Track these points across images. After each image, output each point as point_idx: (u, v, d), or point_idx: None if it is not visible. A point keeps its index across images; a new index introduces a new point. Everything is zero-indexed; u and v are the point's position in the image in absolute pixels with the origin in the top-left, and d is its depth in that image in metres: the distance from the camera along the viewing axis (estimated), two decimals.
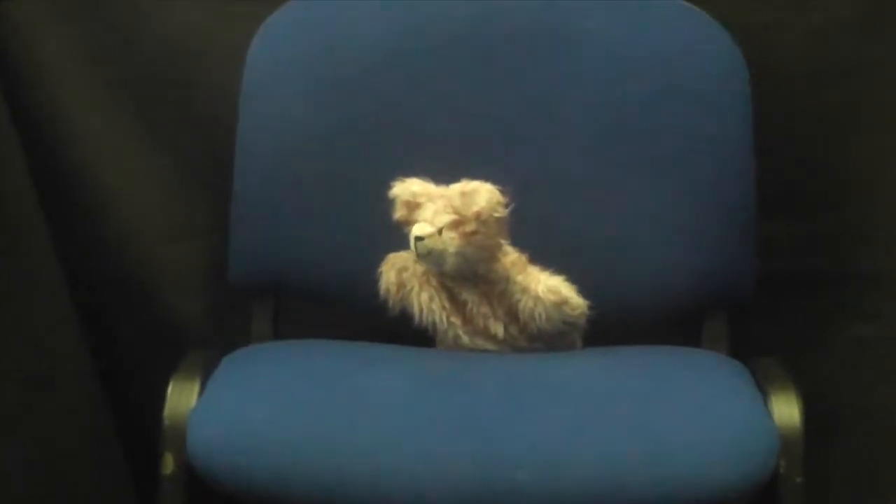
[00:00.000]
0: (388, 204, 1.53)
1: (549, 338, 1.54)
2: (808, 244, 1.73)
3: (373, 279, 1.54)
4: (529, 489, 1.29)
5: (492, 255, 1.52)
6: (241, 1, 1.70)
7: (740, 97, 1.60)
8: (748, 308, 1.62)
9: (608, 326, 1.55)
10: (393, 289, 1.53)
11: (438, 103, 1.62)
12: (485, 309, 1.53)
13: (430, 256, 1.49)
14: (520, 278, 1.53)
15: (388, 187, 1.53)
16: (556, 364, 1.48)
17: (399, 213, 1.52)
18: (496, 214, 1.49)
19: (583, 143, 1.60)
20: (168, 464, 1.34)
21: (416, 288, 1.53)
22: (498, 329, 1.53)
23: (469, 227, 1.49)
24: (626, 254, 1.57)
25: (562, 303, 1.51)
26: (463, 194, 1.49)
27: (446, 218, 1.49)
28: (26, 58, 1.71)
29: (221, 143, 1.66)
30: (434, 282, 1.53)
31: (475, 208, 1.49)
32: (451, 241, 1.49)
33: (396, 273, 1.53)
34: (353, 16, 1.63)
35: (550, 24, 1.62)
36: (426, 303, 1.52)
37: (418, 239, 1.48)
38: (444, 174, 1.53)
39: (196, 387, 1.39)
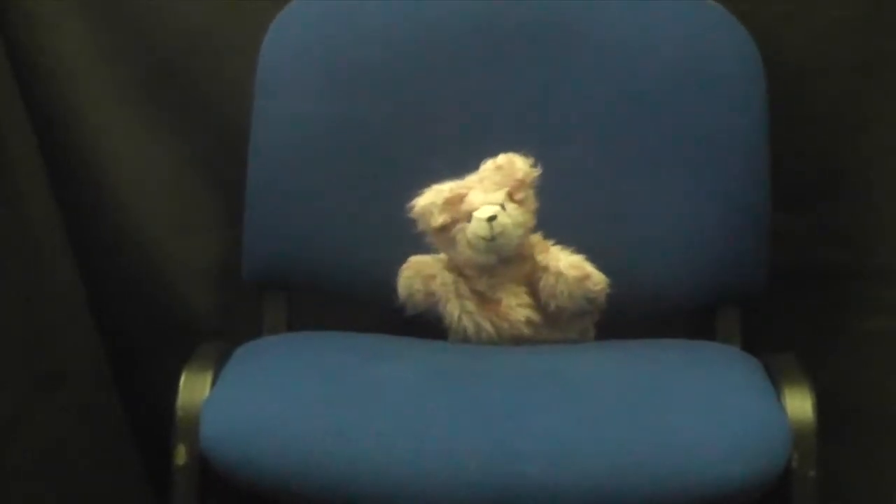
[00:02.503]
0: (402, 197, 1.53)
1: (567, 321, 1.54)
2: (822, 237, 1.73)
3: (384, 272, 1.54)
4: (540, 482, 1.29)
5: (532, 224, 1.52)
6: None
7: (755, 91, 1.60)
8: (762, 302, 1.62)
9: (620, 320, 1.55)
10: (419, 296, 1.52)
11: (450, 98, 1.62)
12: (523, 299, 1.52)
13: (500, 237, 1.48)
14: (541, 257, 1.53)
15: (400, 181, 1.53)
16: (567, 357, 1.48)
17: (441, 219, 1.49)
18: (535, 174, 1.50)
19: (596, 137, 1.60)
20: (181, 455, 1.34)
21: (448, 299, 1.52)
22: (535, 316, 1.52)
23: (520, 195, 1.49)
24: (638, 248, 1.57)
25: (584, 277, 1.51)
26: (498, 168, 1.50)
27: (501, 193, 1.49)
28: (41, 54, 1.71)
29: (235, 138, 1.66)
30: (464, 289, 1.52)
31: (518, 175, 1.49)
32: (515, 212, 1.49)
33: (423, 281, 1.52)
34: (365, 11, 1.64)
35: (563, 19, 1.62)
36: (455, 314, 1.52)
37: (490, 219, 1.47)
38: (455, 168, 1.54)
39: (209, 378, 1.39)
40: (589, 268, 1.52)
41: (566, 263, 1.52)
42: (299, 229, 1.62)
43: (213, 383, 1.38)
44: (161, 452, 1.39)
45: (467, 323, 1.52)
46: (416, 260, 1.53)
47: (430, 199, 1.50)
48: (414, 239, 1.54)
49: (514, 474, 1.29)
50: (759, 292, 1.61)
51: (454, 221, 1.50)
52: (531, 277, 1.53)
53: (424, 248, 1.55)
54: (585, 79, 1.61)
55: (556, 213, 1.56)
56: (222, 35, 1.72)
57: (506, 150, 1.58)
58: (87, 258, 1.73)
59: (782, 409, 1.35)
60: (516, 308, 1.53)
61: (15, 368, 1.63)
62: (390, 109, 1.62)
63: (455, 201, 1.50)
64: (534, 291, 1.53)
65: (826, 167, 1.72)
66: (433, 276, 1.52)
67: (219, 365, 1.42)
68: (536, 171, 1.52)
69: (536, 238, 1.54)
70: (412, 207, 1.51)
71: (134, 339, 1.78)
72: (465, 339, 1.54)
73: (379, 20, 1.64)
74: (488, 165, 1.51)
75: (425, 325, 1.55)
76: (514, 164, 1.50)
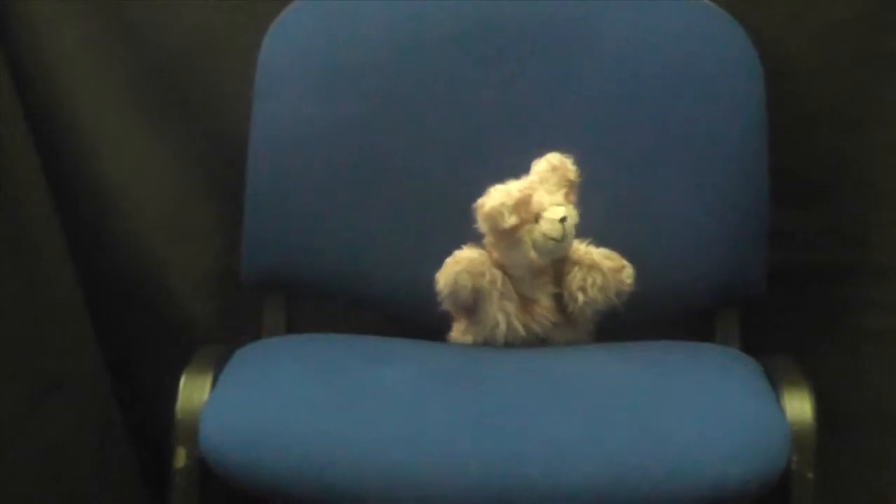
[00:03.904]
0: (402, 199, 1.53)
1: (586, 319, 1.54)
2: (821, 237, 1.73)
3: (383, 274, 1.54)
4: (541, 484, 1.28)
5: None
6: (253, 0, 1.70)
7: (754, 92, 1.60)
8: (761, 303, 1.62)
9: (620, 322, 1.55)
10: (465, 292, 1.50)
11: (449, 100, 1.62)
12: (551, 301, 1.52)
13: (566, 238, 1.49)
14: (569, 252, 1.53)
15: (398, 184, 1.53)
16: (567, 359, 1.48)
17: (512, 220, 1.47)
18: (579, 176, 1.52)
19: (593, 139, 1.60)
20: (180, 458, 1.34)
21: (496, 299, 1.51)
22: (555, 316, 1.53)
23: (573, 196, 1.51)
24: (637, 250, 1.56)
25: (619, 269, 1.52)
26: (554, 169, 1.50)
27: (561, 194, 1.50)
28: (39, 56, 1.71)
29: (234, 142, 1.66)
30: (509, 289, 1.52)
31: (571, 176, 1.50)
32: (573, 212, 1.50)
33: (472, 277, 1.50)
34: (363, 13, 1.64)
35: (562, 20, 1.62)
36: (499, 315, 1.51)
37: (562, 220, 1.48)
38: (454, 170, 1.53)
39: (208, 381, 1.39)
40: (623, 260, 1.52)
41: (600, 255, 1.52)
42: (298, 232, 1.62)
43: (213, 386, 1.39)
44: (160, 456, 1.39)
45: (502, 324, 1.51)
46: (463, 256, 1.51)
47: (501, 200, 1.48)
48: (412, 240, 1.54)
49: (515, 476, 1.29)
50: (759, 294, 1.61)
51: (523, 223, 1.49)
52: (561, 271, 1.53)
53: (425, 249, 1.55)
54: (583, 80, 1.61)
55: None
56: (221, 38, 1.72)
57: (503, 151, 1.59)
58: (85, 262, 1.73)
59: (781, 410, 1.36)
60: (550, 308, 1.53)
61: (14, 373, 1.63)
62: (390, 112, 1.62)
63: (524, 202, 1.49)
64: (559, 290, 1.53)
65: (824, 168, 1.72)
66: (482, 274, 1.51)
67: (218, 368, 1.42)
68: (579, 173, 1.52)
69: None
70: (479, 208, 1.48)
71: (133, 342, 1.78)
72: (493, 339, 1.53)
73: (377, 23, 1.64)
74: (543, 166, 1.51)
75: (424, 327, 1.55)
76: (566, 165, 1.51)
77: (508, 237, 1.49)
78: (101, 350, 1.74)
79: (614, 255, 1.53)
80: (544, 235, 1.49)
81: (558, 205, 1.49)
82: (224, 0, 1.71)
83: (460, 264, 1.51)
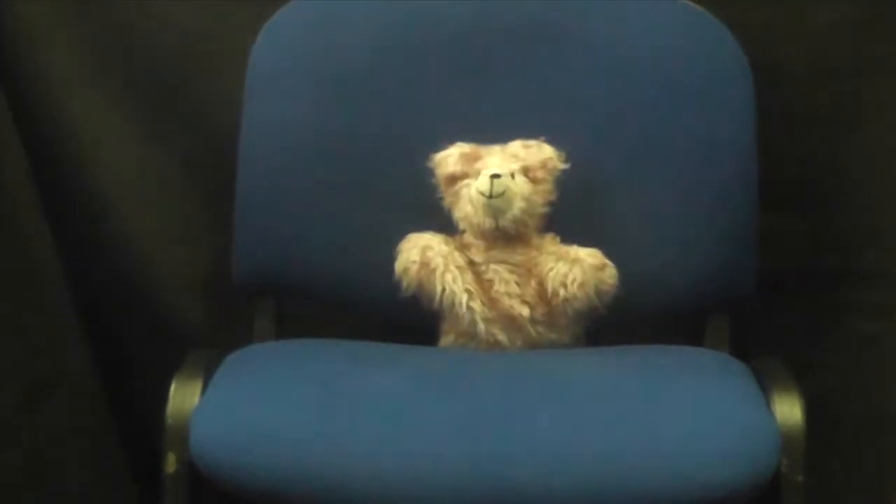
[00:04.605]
0: (392, 203, 1.53)
1: (567, 321, 1.54)
2: (811, 242, 1.73)
3: (374, 278, 1.54)
4: (530, 488, 1.29)
5: (544, 213, 1.54)
6: (244, 3, 1.70)
7: (742, 97, 1.60)
8: (750, 307, 1.62)
9: (610, 326, 1.55)
10: (414, 267, 1.52)
11: (440, 102, 1.62)
12: (512, 289, 1.53)
13: (501, 199, 1.50)
14: (553, 248, 1.54)
15: (390, 187, 1.53)
16: (556, 363, 1.48)
17: (453, 168, 1.53)
18: (560, 166, 1.53)
19: (583, 143, 1.60)
20: (171, 463, 1.35)
21: (441, 267, 1.52)
22: (523, 310, 1.53)
23: (537, 174, 1.52)
24: (627, 254, 1.57)
25: (601, 266, 1.52)
26: (526, 146, 1.54)
27: (517, 164, 1.52)
28: (29, 60, 1.71)
29: (225, 146, 1.66)
30: (460, 261, 1.53)
31: (542, 156, 1.53)
32: (523, 185, 1.51)
33: (420, 251, 1.52)
34: (354, 16, 1.64)
35: (551, 23, 1.62)
36: (449, 283, 1.51)
37: (494, 176, 1.50)
38: None
39: (198, 386, 1.39)
40: (606, 259, 1.53)
41: (584, 252, 1.53)
42: (289, 236, 1.62)
43: (203, 391, 1.38)
44: (151, 460, 1.39)
45: (458, 293, 1.51)
46: (414, 235, 1.54)
47: (450, 151, 1.54)
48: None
49: (505, 479, 1.29)
50: (748, 297, 1.61)
51: (464, 175, 1.53)
52: (534, 270, 1.53)
53: None
54: (572, 84, 1.62)
55: None
56: (212, 42, 1.72)
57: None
58: (77, 266, 1.73)
59: (771, 414, 1.36)
60: (504, 296, 1.53)
61: (6, 378, 1.63)
62: (380, 115, 1.62)
63: (472, 157, 1.53)
64: (539, 287, 1.53)
65: (814, 171, 1.72)
66: (430, 247, 1.52)
67: (209, 373, 1.42)
68: (562, 164, 1.54)
69: (549, 235, 1.55)
70: (432, 157, 1.55)
71: (124, 347, 1.79)
72: (454, 314, 1.53)
73: (368, 25, 1.64)
74: (517, 142, 1.55)
75: (415, 332, 1.56)
76: (542, 147, 1.54)
77: (452, 189, 1.54)
78: (93, 355, 1.74)
79: (597, 253, 1.53)
80: (477, 189, 1.51)
81: (503, 168, 1.51)
82: (216, 4, 1.72)
83: (409, 241, 1.54)
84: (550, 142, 1.55)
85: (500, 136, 1.56)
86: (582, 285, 1.51)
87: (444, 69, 1.63)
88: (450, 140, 1.56)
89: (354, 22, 1.64)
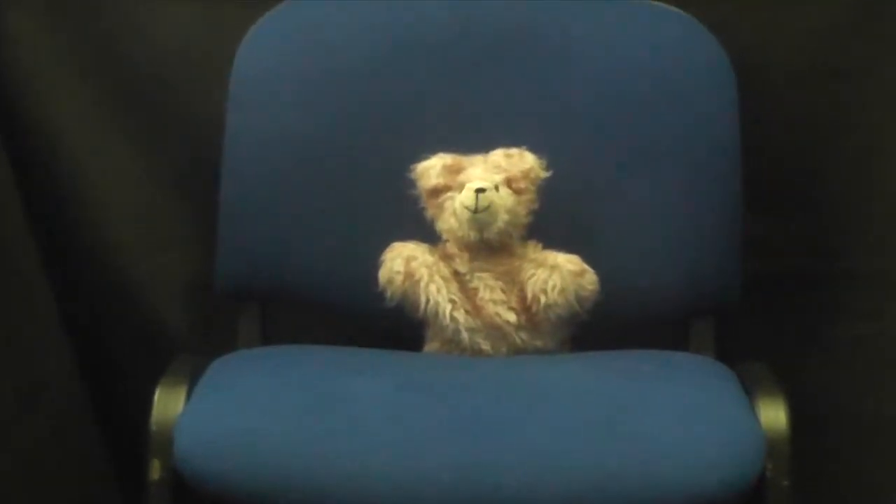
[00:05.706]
0: (377, 209, 1.53)
1: (550, 327, 1.54)
2: (797, 244, 1.74)
3: (359, 284, 1.54)
4: (515, 494, 1.29)
5: (527, 223, 1.54)
6: (229, 8, 1.70)
7: (727, 101, 1.60)
8: (735, 311, 1.62)
9: (595, 331, 1.55)
10: (399, 278, 1.51)
11: (427, 108, 1.62)
12: (498, 295, 1.53)
13: (485, 213, 1.50)
14: (534, 255, 1.54)
15: (374, 194, 1.53)
16: (542, 368, 1.48)
17: (436, 181, 1.52)
18: (542, 175, 1.53)
19: (569, 147, 1.60)
20: (155, 470, 1.34)
21: (426, 278, 1.52)
22: (510, 316, 1.53)
23: (520, 185, 1.52)
24: (612, 258, 1.57)
25: (580, 272, 1.52)
26: (508, 156, 1.53)
27: (500, 175, 1.52)
28: (13, 68, 1.71)
29: (209, 152, 1.66)
30: (444, 271, 1.53)
31: (524, 167, 1.52)
32: (507, 197, 1.51)
33: (404, 261, 1.52)
34: (337, 23, 1.64)
35: (539, 28, 1.62)
36: (433, 294, 1.51)
37: (479, 191, 1.49)
38: None
39: (183, 393, 1.38)
40: (585, 265, 1.53)
41: (563, 258, 1.53)
42: (273, 241, 1.62)
43: (188, 398, 1.38)
44: (136, 467, 1.39)
45: (442, 303, 1.51)
46: (398, 244, 1.54)
47: (432, 163, 1.53)
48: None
49: (490, 486, 1.29)
50: (733, 303, 1.61)
51: (447, 187, 1.52)
52: (517, 278, 1.53)
53: None
54: (557, 89, 1.62)
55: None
56: (196, 49, 1.72)
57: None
58: (61, 272, 1.73)
59: (756, 418, 1.36)
60: (489, 303, 1.53)
61: None
62: (365, 122, 1.62)
63: (454, 169, 1.53)
64: (522, 294, 1.53)
65: (799, 175, 1.73)
66: (414, 257, 1.52)
67: (193, 379, 1.41)
68: (544, 172, 1.53)
69: (532, 243, 1.55)
70: (414, 168, 1.54)
71: (109, 354, 1.78)
72: (438, 324, 1.53)
73: (354, 30, 1.64)
74: (498, 152, 1.54)
75: (401, 338, 1.55)
76: (524, 157, 1.54)
77: (434, 201, 1.53)
78: (77, 362, 1.73)
79: (576, 259, 1.53)
80: (461, 204, 1.51)
81: (487, 180, 1.51)
82: (199, 11, 1.71)
83: (393, 251, 1.53)
84: (533, 149, 1.55)
85: (483, 143, 1.56)
86: (562, 291, 1.51)
87: (427, 75, 1.63)
88: (433, 148, 1.56)
89: (337, 29, 1.64)
